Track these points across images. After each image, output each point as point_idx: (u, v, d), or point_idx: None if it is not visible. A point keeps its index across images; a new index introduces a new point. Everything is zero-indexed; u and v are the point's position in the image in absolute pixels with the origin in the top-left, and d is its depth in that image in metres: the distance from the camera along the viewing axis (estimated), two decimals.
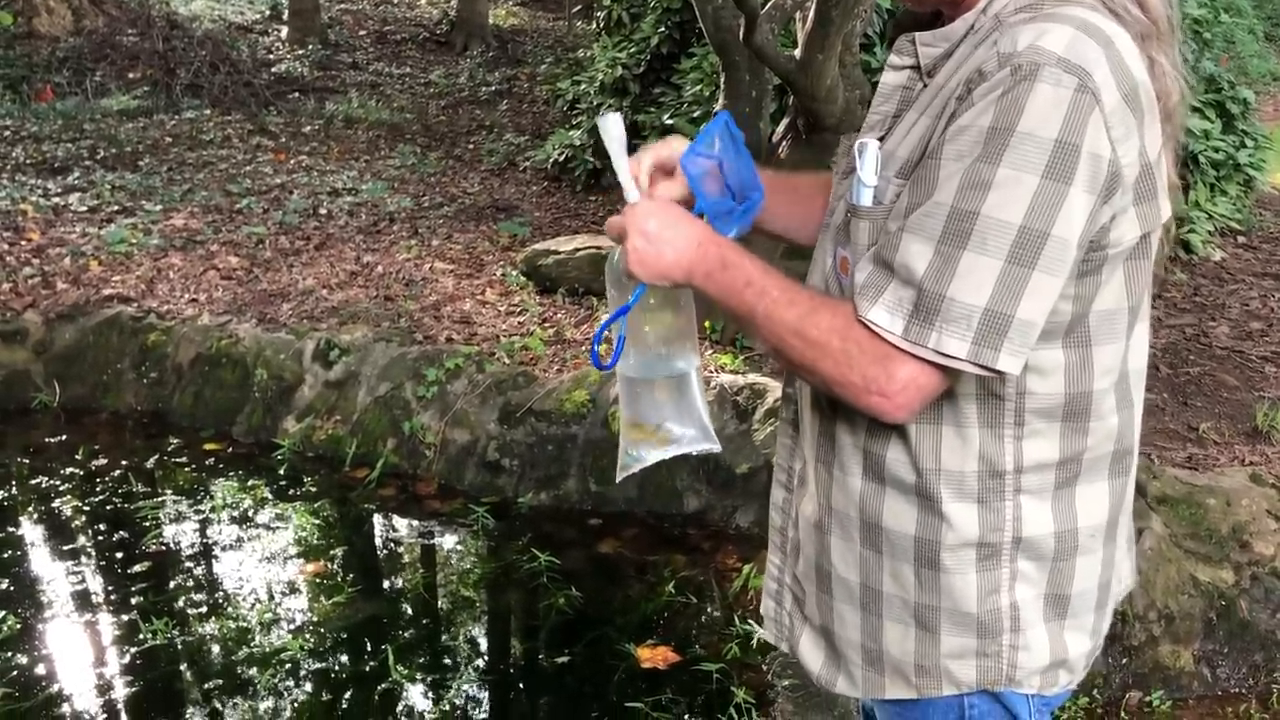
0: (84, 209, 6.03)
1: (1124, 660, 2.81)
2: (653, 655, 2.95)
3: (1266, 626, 2.88)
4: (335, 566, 3.48)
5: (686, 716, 2.77)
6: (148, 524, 3.65)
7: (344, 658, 3.05)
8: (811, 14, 3.84)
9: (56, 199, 6.20)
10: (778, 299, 1.20)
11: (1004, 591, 1.25)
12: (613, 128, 1.35)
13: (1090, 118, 1.06)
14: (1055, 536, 1.25)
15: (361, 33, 12.11)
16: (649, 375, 1.40)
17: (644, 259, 1.26)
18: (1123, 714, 2.72)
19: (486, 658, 3.15)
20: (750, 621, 3.03)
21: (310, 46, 10.77)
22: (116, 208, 6.09)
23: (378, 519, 3.79)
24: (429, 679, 2.97)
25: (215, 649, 3.07)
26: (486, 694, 2.96)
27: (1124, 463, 1.29)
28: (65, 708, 2.82)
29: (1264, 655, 2.85)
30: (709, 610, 3.19)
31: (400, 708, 2.86)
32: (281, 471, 3.99)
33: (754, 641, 2.97)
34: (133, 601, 3.24)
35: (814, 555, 1.36)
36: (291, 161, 7.31)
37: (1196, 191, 5.31)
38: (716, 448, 1.42)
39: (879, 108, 1.27)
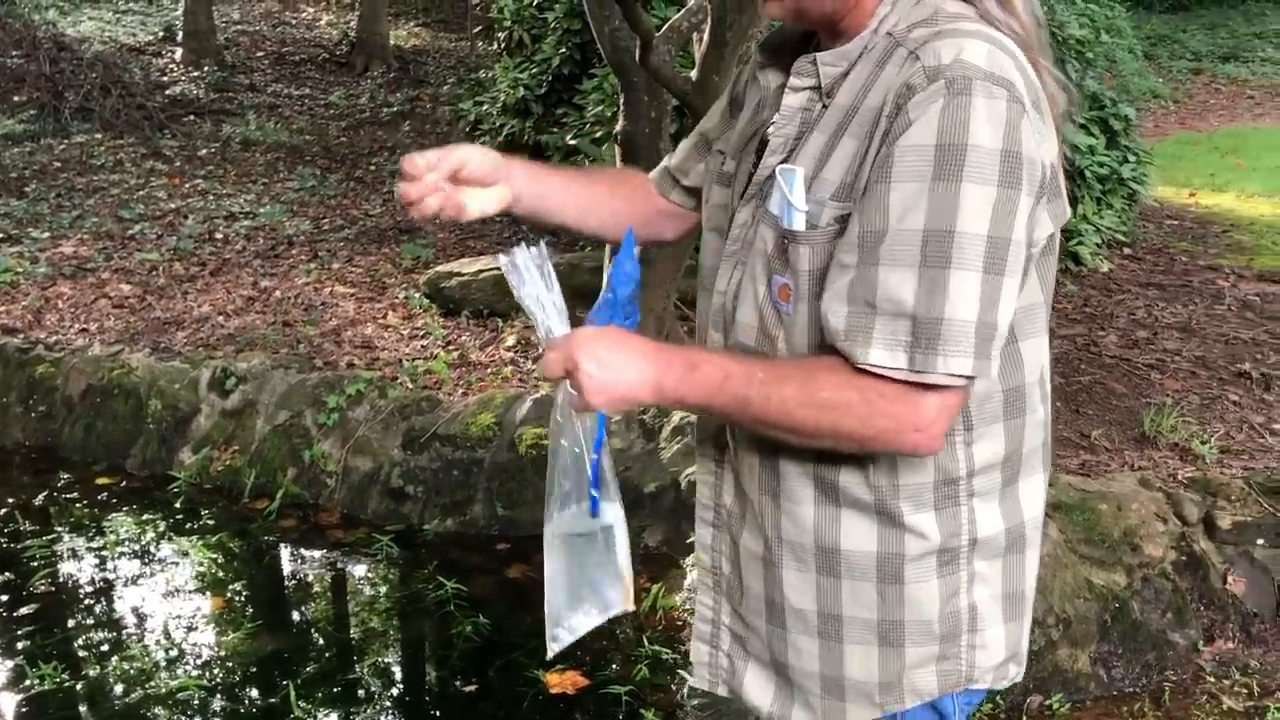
0: None
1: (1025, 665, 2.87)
2: (562, 680, 2.93)
3: (1157, 626, 2.97)
4: (236, 601, 3.39)
5: None
6: (36, 564, 3.51)
7: (247, 694, 2.97)
8: (706, 36, 3.88)
9: None
10: (766, 378, 1.16)
11: (962, 594, 1.27)
12: (521, 266, 1.24)
13: (1023, 125, 1.11)
14: (1006, 534, 1.28)
15: (259, 54, 11.91)
16: (580, 530, 1.30)
17: (604, 386, 1.17)
18: (1024, 719, 2.78)
19: (393, 689, 3.09)
20: (659, 643, 3.03)
21: (206, 68, 10.56)
22: (1, 236, 5.88)
23: (279, 551, 3.70)
24: (333, 714, 2.90)
25: (109, 691, 2.96)
26: None
27: (1048, 452, 1.35)
28: None
29: (1155, 654, 2.94)
30: (618, 632, 3.18)
31: None
32: (178, 504, 3.88)
33: (665, 661, 2.96)
34: (19, 646, 3.11)
35: (762, 590, 1.33)
36: (187, 186, 7.15)
37: (1084, 205, 5.49)
38: (631, 608, 1.35)
39: (781, 130, 1.25)
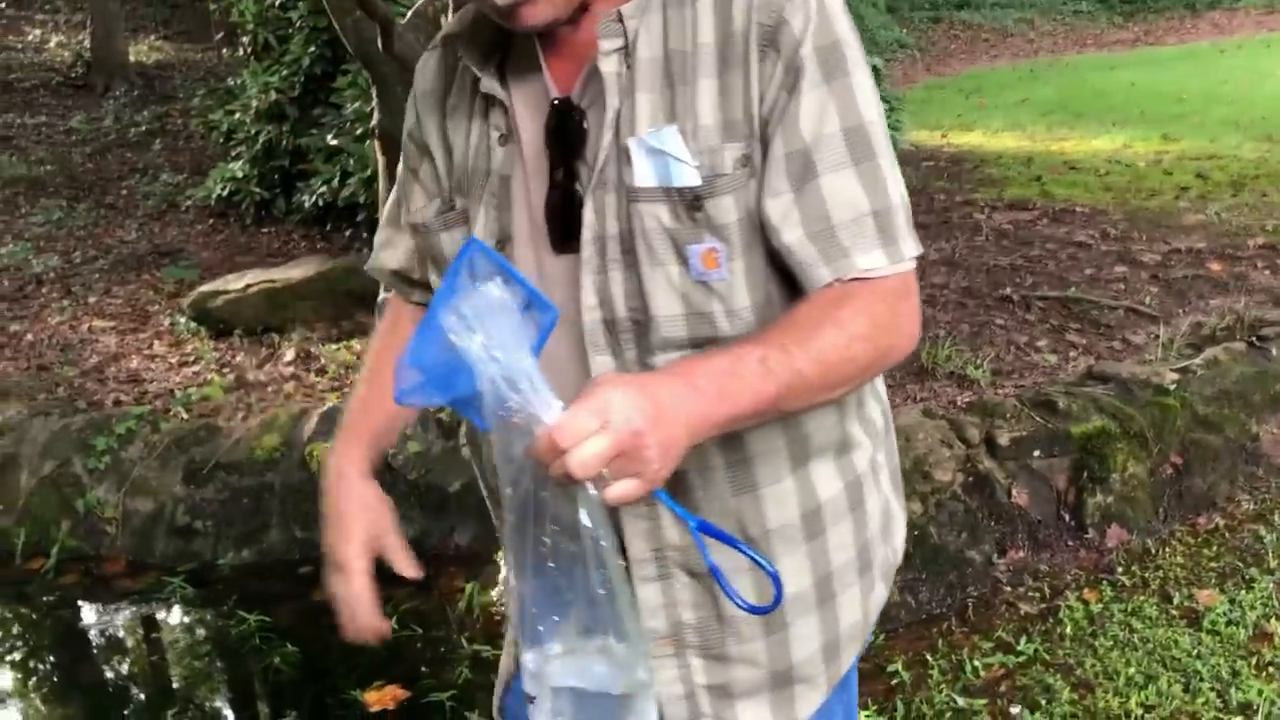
0: None
1: None
2: (381, 697, 2.82)
3: (955, 547, 3.10)
4: (21, 672, 3.12)
5: None
6: None
7: None
8: (452, 16, 3.79)
9: None
10: (794, 340, 1.02)
11: (883, 488, 1.28)
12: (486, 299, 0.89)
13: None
14: (882, 416, 1.30)
15: None
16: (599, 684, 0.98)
17: (671, 451, 0.93)
18: None
19: None
20: (479, 642, 2.97)
21: None
22: None
23: (63, 611, 3.43)
24: None
25: None
26: None
27: None
28: None
29: (956, 574, 3.07)
30: (437, 638, 3.09)
31: None
32: None
33: (486, 659, 2.90)
34: None
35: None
36: None
37: None
38: None
39: (611, 104, 1.12)
